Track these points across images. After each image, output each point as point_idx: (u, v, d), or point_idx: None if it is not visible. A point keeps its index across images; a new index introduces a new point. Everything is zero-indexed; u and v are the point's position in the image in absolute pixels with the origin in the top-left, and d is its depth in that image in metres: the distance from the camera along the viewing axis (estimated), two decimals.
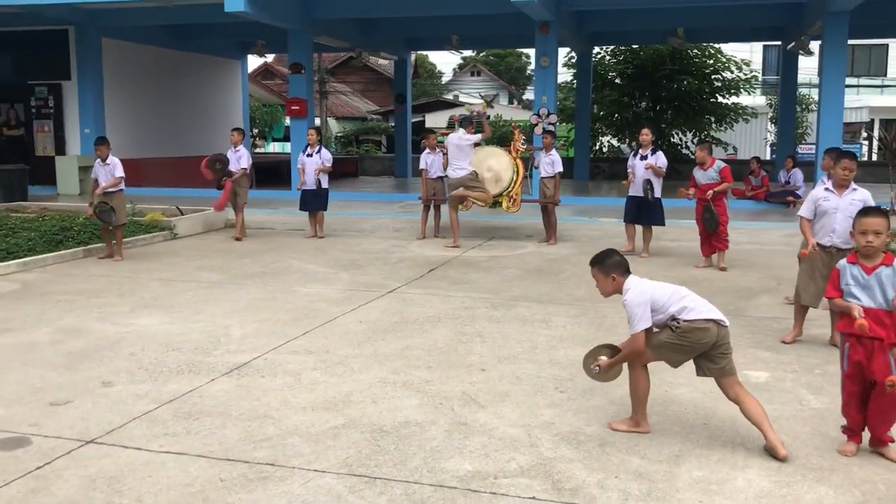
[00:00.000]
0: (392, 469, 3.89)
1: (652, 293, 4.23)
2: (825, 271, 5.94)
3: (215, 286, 8.39)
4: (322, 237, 11.96)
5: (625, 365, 4.47)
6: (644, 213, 10.28)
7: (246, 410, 4.68)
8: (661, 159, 10.18)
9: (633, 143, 11.03)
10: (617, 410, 4.69)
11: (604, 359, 4.47)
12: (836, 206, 6.07)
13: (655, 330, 4.28)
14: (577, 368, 5.48)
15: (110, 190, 9.89)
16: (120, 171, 9.92)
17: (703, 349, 4.21)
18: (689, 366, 4.79)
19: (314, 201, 12.13)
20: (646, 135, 10.20)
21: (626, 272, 4.33)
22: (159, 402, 4.81)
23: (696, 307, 4.22)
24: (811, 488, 3.73)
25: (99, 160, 10.01)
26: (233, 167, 11.90)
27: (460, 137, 11.17)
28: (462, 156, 11.15)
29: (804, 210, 6.30)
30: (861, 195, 6.03)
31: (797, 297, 6.40)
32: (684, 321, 4.17)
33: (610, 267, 4.32)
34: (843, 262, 4.24)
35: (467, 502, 3.55)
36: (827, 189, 6.18)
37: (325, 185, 12.15)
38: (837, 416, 4.40)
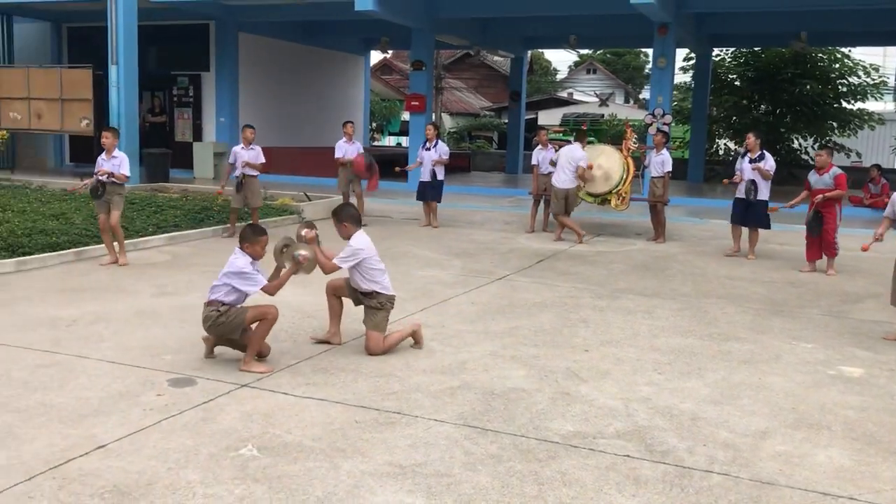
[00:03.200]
0: (502, 424, 4.42)
1: (365, 248, 5.63)
2: None
3: None
4: (436, 227, 12.60)
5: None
6: (750, 215, 10.42)
7: (374, 369, 5.32)
8: (769, 162, 10.30)
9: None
10: (710, 392, 5.08)
11: (305, 253, 5.53)
12: None
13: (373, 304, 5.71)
14: (676, 355, 5.89)
15: (250, 173, 10.82)
16: (262, 157, 10.88)
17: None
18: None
19: (430, 192, 12.81)
20: (749, 139, 10.39)
21: (358, 224, 5.79)
22: (300, 359, 5.51)
23: (388, 284, 5.77)
24: (890, 468, 4.04)
25: (242, 144, 10.95)
26: (350, 157, 12.66)
27: (574, 155, 11.51)
28: (570, 169, 11.51)
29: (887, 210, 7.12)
30: None
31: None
32: (390, 295, 5.77)
33: (344, 217, 5.78)
34: None
35: (568, 454, 4.05)
36: None
37: (440, 176, 12.80)
38: None
